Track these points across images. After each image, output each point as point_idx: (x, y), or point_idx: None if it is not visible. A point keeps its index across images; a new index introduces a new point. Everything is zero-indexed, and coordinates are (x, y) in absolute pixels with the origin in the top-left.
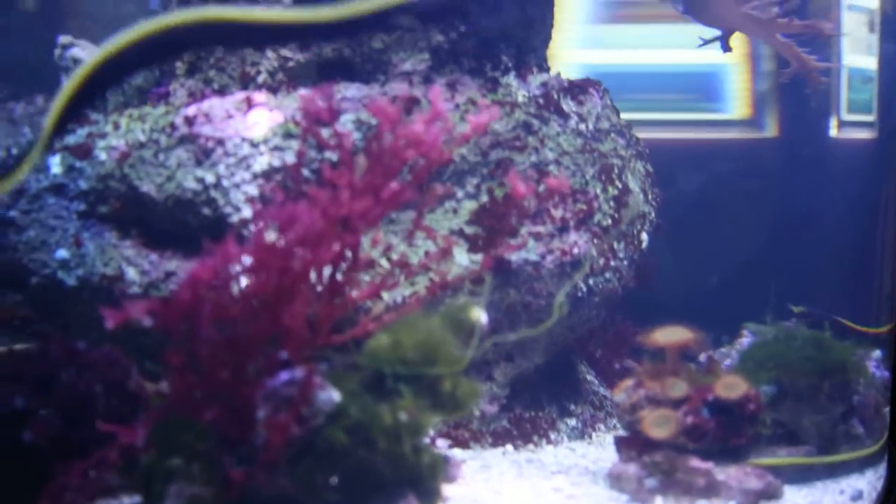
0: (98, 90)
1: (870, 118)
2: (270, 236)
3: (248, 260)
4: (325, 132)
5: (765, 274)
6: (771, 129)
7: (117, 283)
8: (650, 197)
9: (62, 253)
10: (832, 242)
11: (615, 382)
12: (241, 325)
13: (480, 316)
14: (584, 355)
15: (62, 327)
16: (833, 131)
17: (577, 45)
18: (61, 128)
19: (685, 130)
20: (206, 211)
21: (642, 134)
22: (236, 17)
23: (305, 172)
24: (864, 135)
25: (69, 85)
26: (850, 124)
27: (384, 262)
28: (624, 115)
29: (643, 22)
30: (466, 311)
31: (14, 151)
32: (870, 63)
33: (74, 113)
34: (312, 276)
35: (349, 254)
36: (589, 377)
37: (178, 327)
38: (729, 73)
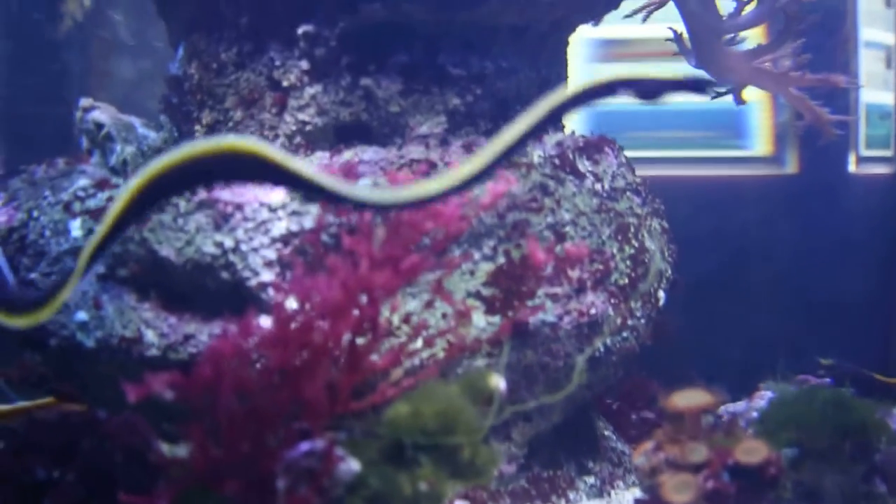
0: (134, 218)
1: (888, 153)
2: (290, 307)
3: (268, 333)
4: None
5: (784, 316)
6: (791, 166)
7: (136, 345)
8: (667, 254)
9: (81, 315)
10: (853, 280)
11: (632, 434)
12: (262, 397)
13: (499, 383)
14: (601, 407)
15: (80, 387)
16: (852, 167)
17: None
18: (98, 257)
19: (709, 168)
20: (225, 275)
21: (666, 171)
22: (276, 160)
23: (324, 237)
24: (882, 170)
25: (108, 215)
26: (869, 160)
27: (403, 328)
28: (647, 153)
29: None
30: (485, 378)
31: (35, 214)
32: (887, 99)
33: (111, 243)
34: (332, 347)
35: (368, 324)
36: (607, 432)
37: (199, 400)
38: (753, 110)
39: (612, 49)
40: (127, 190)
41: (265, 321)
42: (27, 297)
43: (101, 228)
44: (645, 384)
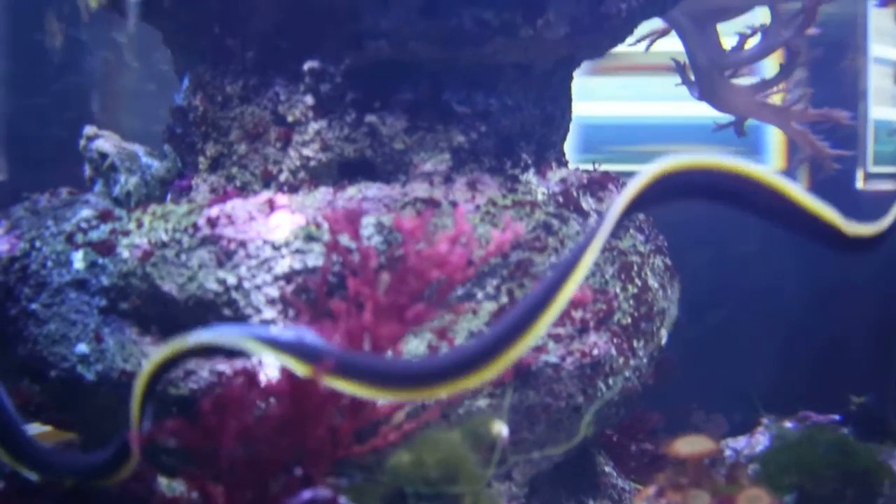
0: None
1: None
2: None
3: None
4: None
5: (790, 340)
6: (802, 182)
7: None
8: (669, 292)
9: (82, 347)
10: (860, 298)
11: (632, 466)
12: (265, 444)
13: (502, 430)
14: (601, 439)
15: (79, 419)
16: (860, 183)
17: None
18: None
19: None
20: (227, 312)
21: None
22: None
23: (329, 277)
24: (890, 186)
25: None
26: (877, 176)
27: None
28: None
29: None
30: (487, 425)
31: (37, 244)
32: (895, 115)
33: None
34: (336, 395)
35: None
36: (607, 468)
37: (202, 447)
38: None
39: (606, 62)
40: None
41: (268, 359)
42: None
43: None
44: (645, 416)
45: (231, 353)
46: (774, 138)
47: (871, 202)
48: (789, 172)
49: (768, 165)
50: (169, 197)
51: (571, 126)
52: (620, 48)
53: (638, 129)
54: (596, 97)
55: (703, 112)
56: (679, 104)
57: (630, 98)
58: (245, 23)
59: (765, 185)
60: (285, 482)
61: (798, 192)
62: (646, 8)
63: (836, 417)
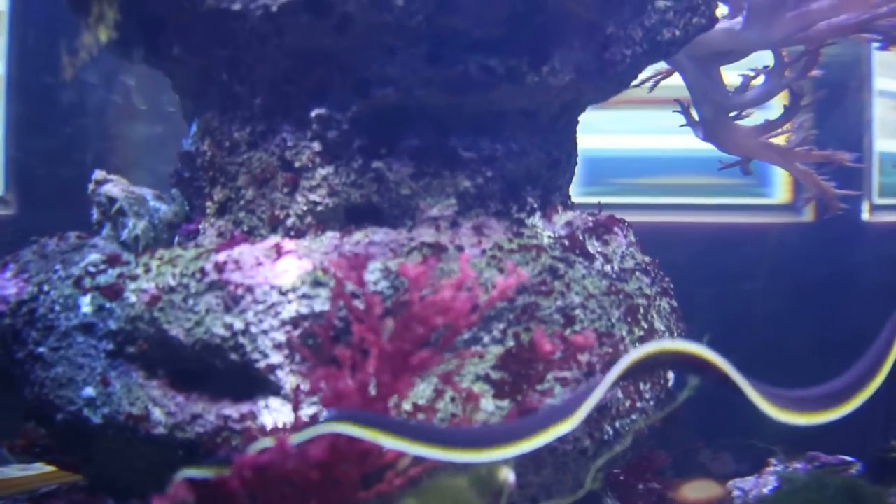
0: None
1: None
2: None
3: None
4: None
5: (797, 373)
6: (808, 214)
7: (143, 423)
8: (675, 334)
9: (89, 391)
10: (867, 331)
11: None
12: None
13: (508, 476)
14: (608, 478)
15: (84, 461)
16: (865, 215)
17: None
18: None
19: (731, 215)
20: (234, 356)
21: (685, 218)
22: None
23: (335, 321)
24: (895, 218)
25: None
26: (882, 207)
27: (411, 411)
28: (673, 200)
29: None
30: (494, 471)
31: (45, 288)
32: None
33: None
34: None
35: None
36: None
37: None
38: None
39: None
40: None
41: (273, 403)
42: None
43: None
44: (652, 456)
45: (238, 397)
46: (780, 172)
47: (877, 234)
48: (795, 206)
49: (775, 198)
50: (176, 240)
51: (575, 169)
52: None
53: (640, 161)
54: (598, 130)
55: (705, 146)
56: (680, 137)
57: (633, 131)
58: (253, 70)
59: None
60: None
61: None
62: (650, 54)
63: (848, 458)
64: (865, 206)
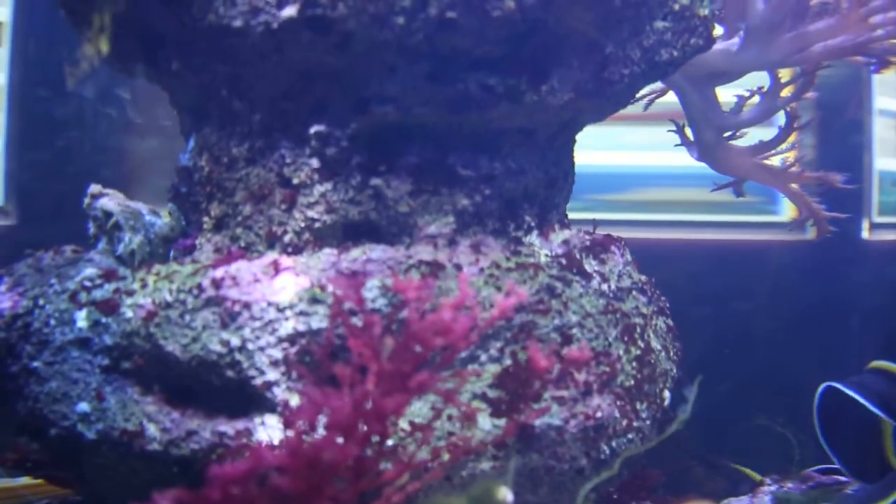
0: None
1: None
2: (300, 428)
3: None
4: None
5: (791, 393)
6: (810, 232)
7: (137, 439)
8: (672, 353)
9: (83, 406)
10: (866, 348)
11: None
12: None
13: (507, 496)
14: (601, 497)
15: (77, 476)
16: (865, 234)
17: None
18: None
19: (739, 232)
20: (230, 373)
21: (690, 235)
22: None
23: (333, 338)
24: (895, 237)
25: None
26: (882, 226)
27: (408, 429)
28: (676, 216)
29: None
30: (492, 490)
31: (41, 302)
32: None
33: None
34: (343, 467)
35: (376, 437)
36: None
37: None
38: None
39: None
40: None
41: (270, 420)
42: None
43: None
44: (645, 474)
45: (233, 414)
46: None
47: (877, 252)
48: (800, 223)
49: (783, 215)
50: (172, 255)
51: (572, 187)
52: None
53: (616, 177)
54: (598, 147)
55: (685, 161)
56: (660, 154)
57: (608, 147)
58: (252, 86)
59: None
60: None
61: None
62: (648, 74)
63: (843, 479)
64: (865, 225)
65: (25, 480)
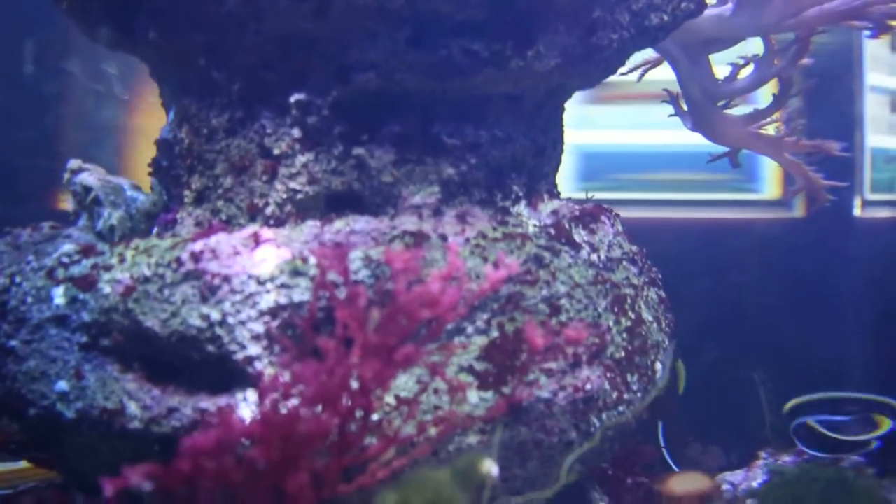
0: None
1: (893, 197)
2: (274, 398)
3: (250, 428)
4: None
5: (786, 367)
6: (799, 210)
7: (118, 417)
8: (663, 325)
9: (62, 385)
10: (858, 325)
11: (628, 500)
12: (244, 489)
13: (491, 469)
14: (596, 472)
15: (59, 457)
16: (857, 211)
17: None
18: None
19: (717, 211)
20: (211, 348)
21: (676, 214)
22: None
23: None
24: (887, 214)
25: None
26: (874, 203)
27: (394, 404)
28: (660, 195)
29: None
30: (477, 463)
31: (18, 280)
32: (892, 143)
33: None
34: (319, 437)
35: (360, 411)
36: None
37: (178, 492)
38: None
39: (606, 91)
40: None
41: (251, 396)
42: None
43: None
44: (640, 450)
45: (215, 390)
46: (770, 167)
47: (869, 229)
48: (785, 202)
49: (764, 193)
50: (155, 231)
51: (564, 156)
52: (619, 78)
53: (639, 157)
54: (596, 126)
55: (690, 141)
56: (680, 132)
57: (631, 126)
58: (231, 55)
59: None
60: None
61: None
62: (637, 39)
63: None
64: (857, 202)
65: (23, 464)
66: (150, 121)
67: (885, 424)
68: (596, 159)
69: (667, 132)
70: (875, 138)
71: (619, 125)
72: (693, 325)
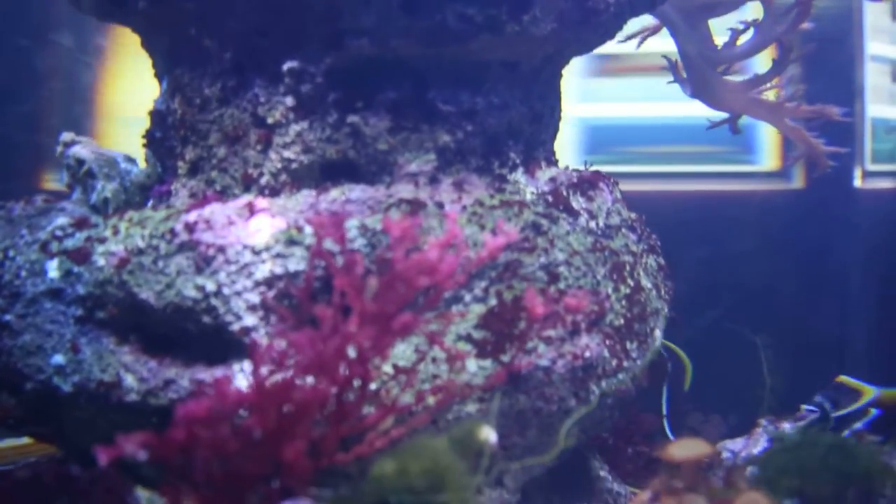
0: None
1: (894, 168)
2: (269, 366)
3: (244, 396)
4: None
5: (787, 337)
6: (798, 181)
7: (115, 390)
8: (663, 292)
9: (58, 359)
10: (858, 296)
11: (628, 469)
12: (240, 457)
13: (490, 436)
14: (596, 442)
15: (57, 431)
16: (858, 181)
17: (606, 99)
18: None
19: (717, 183)
20: (207, 319)
21: (673, 186)
22: None
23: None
24: (888, 184)
25: None
26: (875, 174)
27: (391, 372)
28: (656, 168)
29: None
30: (475, 431)
31: (11, 254)
32: (893, 113)
33: None
34: (316, 405)
35: (358, 380)
36: (602, 473)
37: (174, 461)
38: (761, 125)
39: (612, 63)
40: None
41: (248, 367)
42: None
43: None
44: (640, 419)
45: (212, 361)
46: (767, 138)
47: (870, 200)
48: (784, 172)
49: (763, 165)
50: (150, 203)
51: (570, 130)
52: (624, 49)
53: (645, 129)
54: (602, 98)
55: (686, 112)
56: (680, 104)
57: (637, 99)
58: (222, 23)
59: None
60: (263, 494)
61: None
62: (634, 3)
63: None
64: (858, 173)
65: (26, 440)
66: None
67: (869, 392)
68: (600, 132)
69: (668, 104)
70: (876, 108)
71: (624, 98)
72: (692, 298)
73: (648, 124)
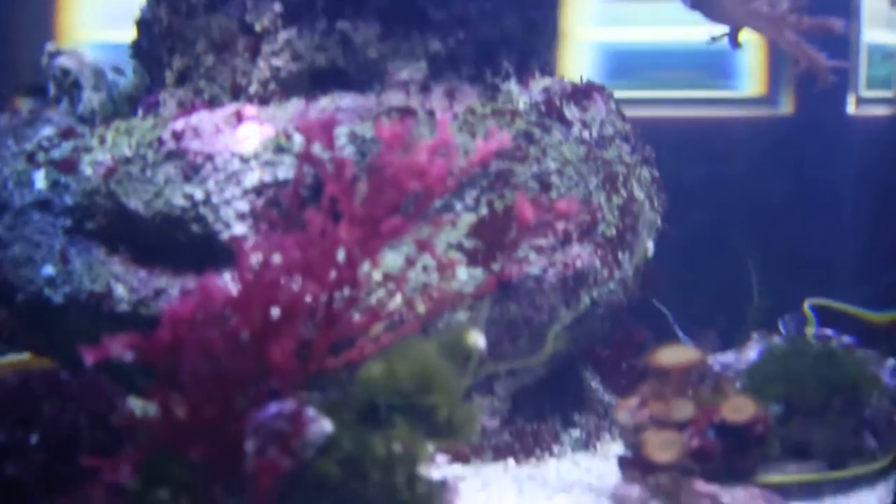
0: None
1: (890, 94)
2: (255, 264)
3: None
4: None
5: (776, 262)
6: (786, 107)
7: (105, 300)
8: (656, 204)
9: (48, 270)
10: (848, 226)
11: (622, 384)
12: (227, 359)
13: (478, 340)
14: (591, 356)
15: (49, 343)
16: (851, 108)
17: (590, 23)
18: None
19: (697, 109)
20: (196, 228)
21: (652, 112)
22: None
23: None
24: (883, 111)
25: None
26: (870, 101)
27: (381, 279)
28: (635, 93)
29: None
30: (464, 336)
31: None
32: (890, 38)
33: None
34: (303, 307)
35: (347, 283)
36: (594, 384)
37: (161, 363)
38: (744, 50)
39: None
40: None
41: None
42: None
43: None
44: (636, 332)
45: (202, 270)
46: (749, 62)
47: (864, 127)
48: (771, 98)
49: (746, 91)
50: (139, 114)
51: (557, 34)
52: None
53: (666, 54)
54: (624, 23)
55: (667, 38)
56: (640, 30)
57: (660, 23)
58: None
59: None
60: (252, 397)
61: None
62: None
63: (829, 332)
64: (851, 99)
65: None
66: None
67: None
68: (625, 56)
69: (639, 29)
70: (872, 33)
71: (650, 22)
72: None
73: (680, 49)
